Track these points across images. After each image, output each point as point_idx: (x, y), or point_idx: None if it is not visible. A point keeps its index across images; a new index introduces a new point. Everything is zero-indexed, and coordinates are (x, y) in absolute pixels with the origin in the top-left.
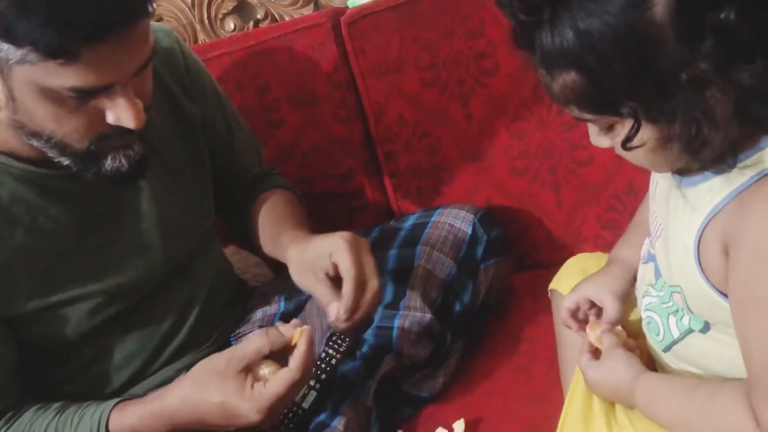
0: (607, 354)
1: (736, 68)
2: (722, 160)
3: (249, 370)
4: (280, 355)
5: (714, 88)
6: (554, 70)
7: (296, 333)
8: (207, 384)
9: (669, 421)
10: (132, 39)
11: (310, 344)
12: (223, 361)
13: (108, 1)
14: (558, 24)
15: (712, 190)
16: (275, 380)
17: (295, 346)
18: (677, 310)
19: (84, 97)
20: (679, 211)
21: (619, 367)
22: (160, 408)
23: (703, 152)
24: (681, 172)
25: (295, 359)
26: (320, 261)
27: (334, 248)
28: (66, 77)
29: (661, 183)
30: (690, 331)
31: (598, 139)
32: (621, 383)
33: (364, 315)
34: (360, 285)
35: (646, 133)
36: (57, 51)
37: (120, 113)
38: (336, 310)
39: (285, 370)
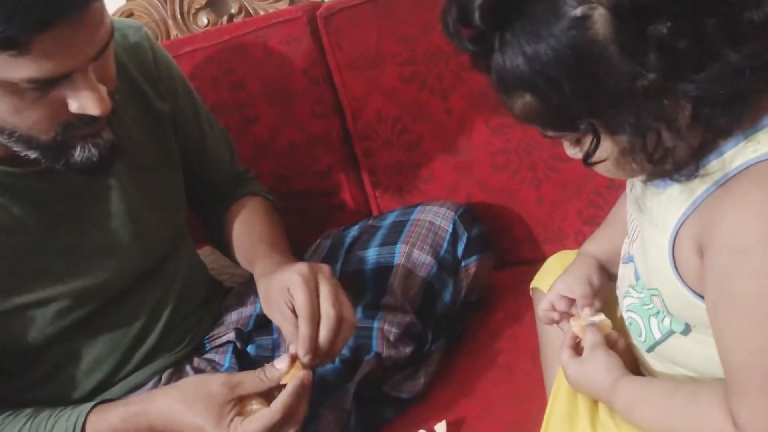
0: (588, 354)
1: (683, 78)
2: (685, 167)
3: (238, 401)
4: (276, 389)
5: (666, 98)
6: (510, 92)
7: (290, 371)
8: (193, 401)
9: (650, 425)
10: (85, 23)
11: (299, 389)
12: (217, 384)
13: None
14: (507, 50)
15: (684, 191)
16: (254, 419)
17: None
18: (657, 312)
19: (43, 87)
20: (653, 213)
21: (599, 369)
22: (144, 409)
23: (665, 161)
24: (650, 180)
25: (278, 402)
26: (283, 296)
27: (290, 284)
28: (20, 69)
29: (636, 185)
30: (671, 332)
31: (571, 151)
32: (600, 385)
33: (329, 348)
34: (314, 321)
35: (608, 147)
36: (5, 42)
37: (83, 101)
38: (294, 350)
39: (266, 410)
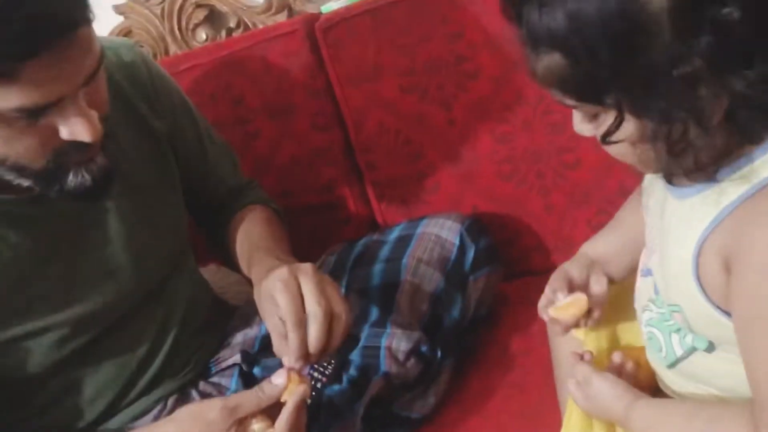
0: (587, 388)
1: (730, 72)
2: (704, 169)
3: (239, 424)
4: (275, 405)
5: (705, 90)
6: (539, 49)
7: (290, 382)
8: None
9: None
10: (73, 50)
11: (299, 404)
12: (214, 410)
13: (39, 15)
14: (548, 1)
15: (707, 202)
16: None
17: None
18: (679, 329)
19: (32, 116)
20: (673, 225)
21: (606, 399)
22: None
23: (686, 157)
24: (667, 178)
25: (281, 420)
26: (270, 305)
27: (273, 291)
28: (8, 98)
29: (655, 194)
30: (694, 349)
31: (581, 126)
32: (612, 414)
33: (322, 348)
34: (301, 326)
35: (629, 128)
36: None
37: (74, 128)
38: (286, 360)
39: (271, 431)
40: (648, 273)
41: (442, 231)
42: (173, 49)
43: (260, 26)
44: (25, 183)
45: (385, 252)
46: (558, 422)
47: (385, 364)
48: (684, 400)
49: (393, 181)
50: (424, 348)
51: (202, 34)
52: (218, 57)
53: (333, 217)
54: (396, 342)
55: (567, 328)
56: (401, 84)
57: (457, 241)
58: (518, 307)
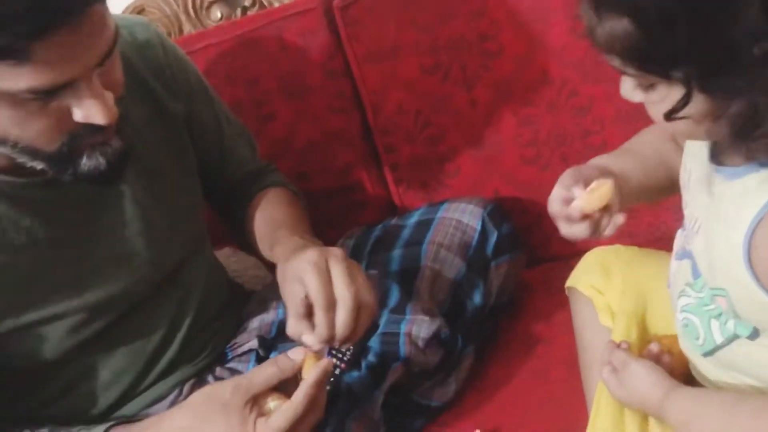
0: (624, 372)
1: None
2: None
3: (255, 402)
4: (291, 384)
5: None
6: (604, 12)
7: (307, 360)
8: (209, 414)
9: None
10: (86, 29)
11: (320, 379)
12: (227, 391)
13: None
14: None
15: (763, 183)
16: (277, 415)
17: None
18: (720, 314)
19: (44, 97)
20: (723, 206)
21: (643, 386)
22: (161, 424)
23: (754, 139)
24: (721, 157)
25: (299, 393)
26: (293, 288)
27: (302, 273)
28: (20, 79)
29: (696, 171)
30: (736, 336)
31: (632, 93)
32: (647, 402)
33: (348, 334)
34: (330, 308)
35: (696, 105)
36: (4, 51)
37: (88, 110)
38: (310, 340)
39: (288, 404)
40: (685, 256)
41: (464, 216)
42: (187, 28)
43: (276, 4)
44: (39, 166)
45: (404, 237)
46: (583, 411)
47: (405, 351)
48: (722, 392)
49: (412, 164)
50: (444, 335)
51: (216, 13)
52: (233, 36)
53: (350, 200)
54: (416, 328)
55: (593, 218)
56: (422, 64)
57: (478, 227)
58: (540, 294)
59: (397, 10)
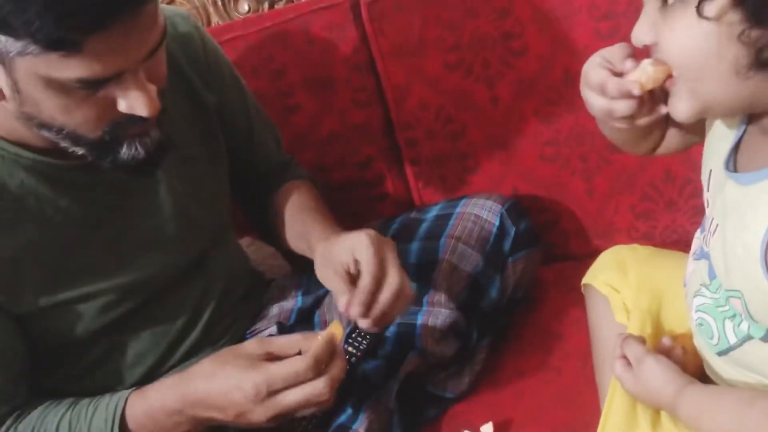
0: (639, 367)
1: None
2: None
3: (271, 357)
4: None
5: None
6: None
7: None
8: (225, 358)
9: None
10: (138, 25)
11: (331, 341)
12: (250, 343)
13: None
14: None
15: None
16: (284, 363)
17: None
18: (734, 315)
19: (92, 87)
20: (740, 209)
21: (657, 381)
22: (177, 380)
23: None
24: (737, 162)
25: (312, 349)
26: (342, 257)
27: (357, 243)
28: (70, 69)
29: (715, 172)
30: (749, 337)
31: (643, 28)
32: (661, 397)
33: (385, 312)
34: (377, 280)
35: (727, 13)
36: (57, 42)
37: (132, 101)
38: (346, 300)
39: (296, 357)
40: (702, 256)
41: (482, 211)
42: (215, 19)
43: None
44: (80, 151)
45: (423, 230)
46: (596, 406)
47: (421, 342)
48: (737, 389)
49: (432, 159)
50: (460, 327)
51: (244, 6)
52: (261, 29)
53: (369, 194)
54: (432, 319)
55: (642, 90)
56: (445, 60)
57: (497, 222)
58: (555, 292)
59: (423, 6)
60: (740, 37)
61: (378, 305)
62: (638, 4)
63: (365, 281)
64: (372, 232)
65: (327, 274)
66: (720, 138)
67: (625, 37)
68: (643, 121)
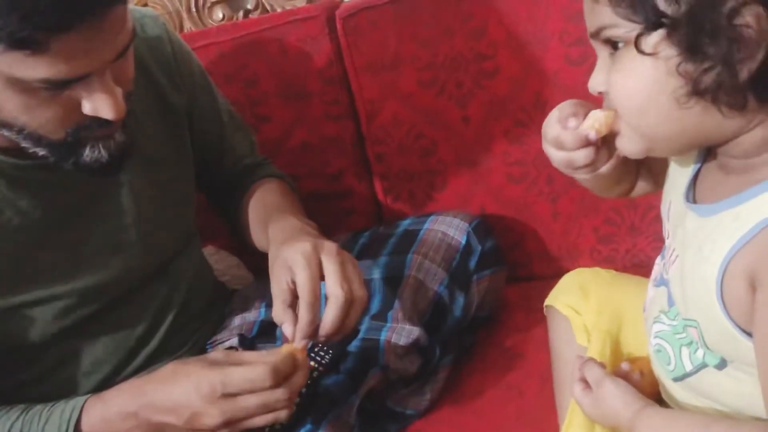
0: (597, 390)
1: None
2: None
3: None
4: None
5: (747, 28)
6: None
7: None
8: (189, 361)
9: None
10: (105, 27)
11: (289, 356)
12: (217, 353)
13: None
14: None
15: (739, 218)
16: (242, 366)
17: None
18: (691, 343)
19: (56, 88)
20: (697, 239)
21: (615, 404)
22: (138, 380)
23: (710, 94)
24: (697, 194)
25: (267, 360)
26: (284, 273)
27: (292, 263)
28: (35, 68)
29: (675, 204)
30: (704, 365)
31: (598, 78)
32: (619, 420)
33: (339, 327)
34: (315, 306)
35: (664, 49)
36: (22, 41)
37: (97, 104)
38: (290, 331)
39: (254, 366)
40: (662, 283)
41: (450, 229)
42: (188, 25)
43: (279, 9)
44: (41, 152)
45: (390, 246)
46: (556, 427)
47: (384, 358)
48: (693, 412)
49: (402, 175)
50: (423, 344)
51: (219, 13)
52: (235, 37)
53: (338, 206)
54: (396, 336)
55: (594, 145)
56: (419, 78)
57: (463, 240)
58: (518, 311)
59: (399, 23)
60: (677, 68)
61: (325, 329)
62: None
63: (302, 314)
64: (307, 246)
65: (272, 289)
66: (679, 173)
67: (594, 64)
68: (605, 168)
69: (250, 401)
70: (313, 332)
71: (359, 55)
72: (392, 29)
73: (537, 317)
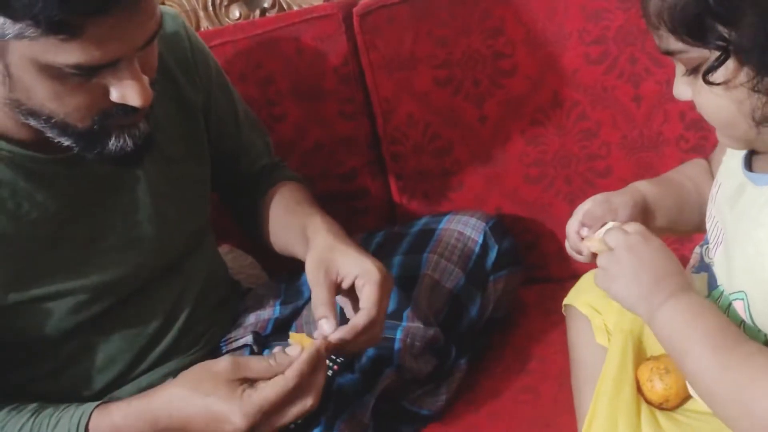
0: (645, 241)
1: None
2: None
3: (246, 381)
4: None
5: None
6: None
7: (305, 345)
8: (198, 382)
9: (692, 369)
10: (138, 11)
11: (314, 357)
12: (222, 363)
13: None
14: None
15: None
16: (268, 385)
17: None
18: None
19: (87, 74)
20: (753, 208)
21: (661, 262)
22: (146, 406)
23: None
24: (754, 164)
25: (293, 368)
26: (343, 270)
27: (367, 275)
28: (68, 54)
29: (725, 185)
30: None
31: (681, 87)
32: (639, 306)
33: (354, 350)
34: (373, 319)
35: (736, 75)
36: (59, 25)
37: (125, 90)
38: (330, 328)
39: (280, 377)
40: (702, 269)
41: (466, 228)
42: (204, 24)
43: (296, 8)
44: (66, 142)
45: (405, 245)
46: (573, 428)
47: (399, 358)
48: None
49: (417, 174)
50: (439, 344)
51: (235, 12)
52: (251, 35)
53: (352, 206)
54: (411, 336)
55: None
56: (435, 76)
57: (480, 239)
58: (535, 313)
59: (416, 21)
60: (755, 88)
61: (354, 345)
62: (628, 30)
63: (359, 323)
64: (384, 269)
65: (317, 277)
66: (732, 155)
67: (614, 62)
68: None
69: (290, 416)
70: (349, 343)
71: (376, 54)
72: (409, 27)
73: (553, 319)
